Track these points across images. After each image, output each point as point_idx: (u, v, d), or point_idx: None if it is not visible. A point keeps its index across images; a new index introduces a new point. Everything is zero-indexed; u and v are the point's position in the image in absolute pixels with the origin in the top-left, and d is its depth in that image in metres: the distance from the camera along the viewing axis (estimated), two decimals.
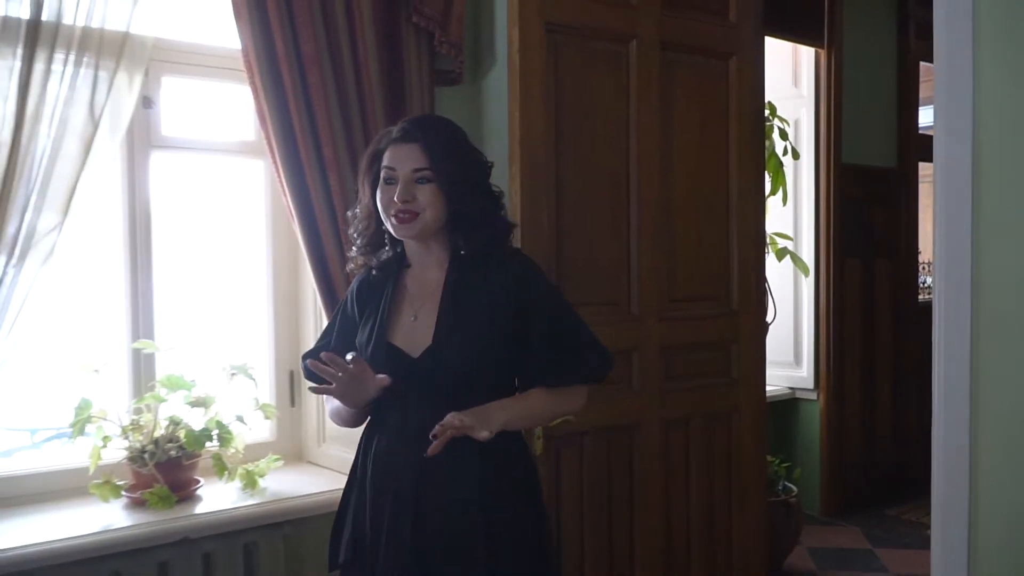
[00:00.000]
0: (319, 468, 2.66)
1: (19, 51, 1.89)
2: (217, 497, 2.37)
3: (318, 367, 1.63)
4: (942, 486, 1.93)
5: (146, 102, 2.37)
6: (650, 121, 2.61)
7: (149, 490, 2.25)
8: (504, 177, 2.32)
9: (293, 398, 2.72)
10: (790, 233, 4.40)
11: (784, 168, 3.95)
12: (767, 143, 3.67)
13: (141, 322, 2.45)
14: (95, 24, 1.99)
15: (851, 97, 4.53)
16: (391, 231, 1.73)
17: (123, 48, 2.03)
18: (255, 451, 2.54)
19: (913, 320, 4.86)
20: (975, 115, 1.88)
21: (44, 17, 1.92)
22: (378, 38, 2.39)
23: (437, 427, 1.57)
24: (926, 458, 2.06)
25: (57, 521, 2.16)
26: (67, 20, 1.95)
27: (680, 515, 2.73)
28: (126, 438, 2.32)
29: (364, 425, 1.84)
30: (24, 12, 1.90)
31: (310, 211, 2.31)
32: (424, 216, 1.69)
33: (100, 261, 2.42)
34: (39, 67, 1.89)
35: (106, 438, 2.29)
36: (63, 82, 1.94)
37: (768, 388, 4.32)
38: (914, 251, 5.05)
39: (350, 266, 1.89)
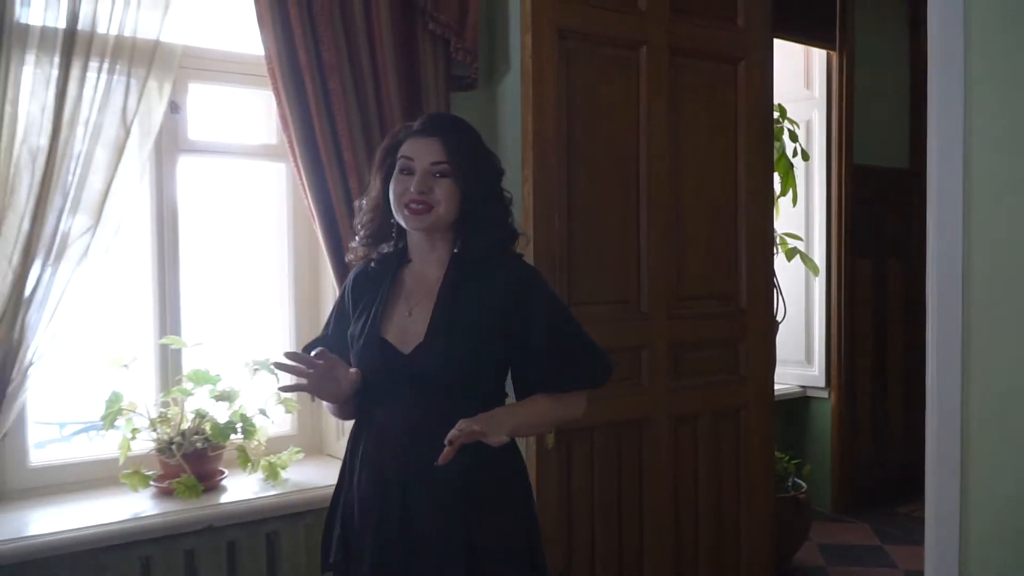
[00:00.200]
0: (338, 460, 2.67)
1: (56, 60, 1.96)
2: (241, 487, 2.45)
3: (284, 367, 1.61)
4: (935, 480, 2.00)
5: (173, 107, 2.45)
6: (660, 124, 2.67)
7: (177, 479, 2.33)
8: (517, 179, 2.38)
9: None
10: (802, 233, 4.44)
11: (794, 169, 3.99)
12: (777, 145, 3.71)
13: (168, 319, 2.54)
14: (127, 33, 2.07)
15: (863, 98, 4.56)
16: (401, 222, 1.72)
17: (154, 56, 2.11)
18: (277, 444, 2.63)
19: (924, 319, 4.87)
20: (966, 120, 1.94)
21: (79, 27, 1.98)
22: (396, 46, 2.46)
23: (451, 433, 1.52)
24: None
25: (89, 509, 2.25)
26: (101, 29, 2.02)
27: (689, 510, 2.78)
28: (154, 430, 2.40)
29: (354, 422, 1.83)
30: (61, 22, 1.97)
31: (330, 213, 2.39)
32: (438, 210, 1.68)
33: (129, 261, 2.49)
34: (75, 75, 1.97)
35: (135, 430, 2.37)
36: (97, 89, 2.01)
37: (779, 386, 4.40)
38: (925, 251, 5.06)
39: (349, 257, 1.87)
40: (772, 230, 3.06)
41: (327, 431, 2.82)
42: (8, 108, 1.89)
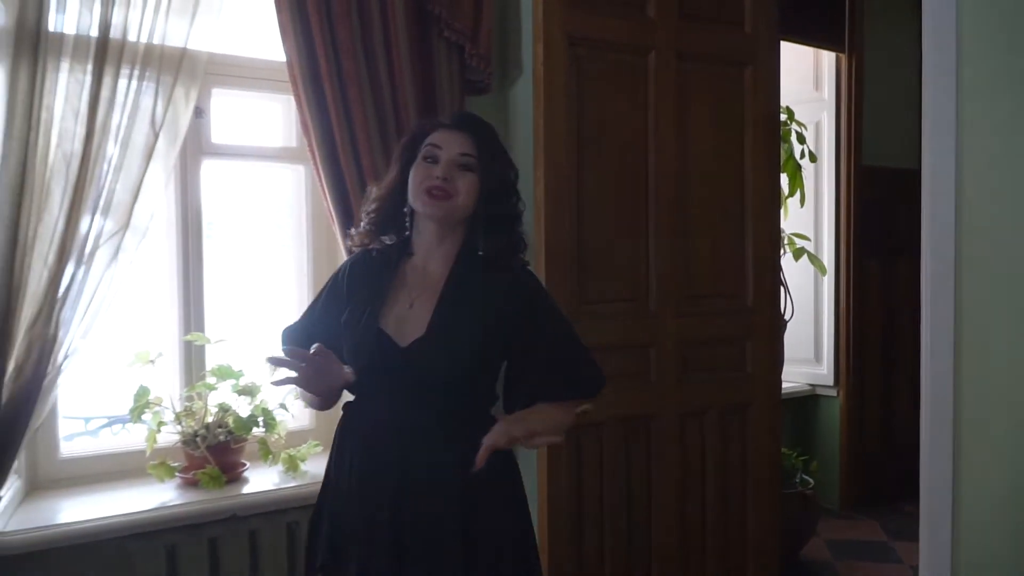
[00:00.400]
0: None
1: (89, 67, 2.03)
2: (262, 479, 2.52)
3: (279, 361, 1.58)
4: (928, 475, 2.08)
5: (197, 112, 2.52)
6: (667, 127, 2.73)
7: (202, 470, 2.41)
8: (529, 181, 2.44)
9: None
10: (811, 233, 4.48)
11: (802, 171, 4.04)
12: (784, 147, 3.77)
13: (192, 316, 2.61)
14: (156, 40, 2.13)
15: (872, 100, 4.60)
16: (419, 208, 1.70)
17: (181, 63, 2.17)
18: (296, 437, 2.70)
19: None
20: (958, 124, 2.02)
21: (111, 35, 2.05)
22: (412, 52, 2.53)
23: (489, 437, 1.54)
24: None
25: (117, 498, 2.33)
26: (131, 37, 2.08)
27: (696, 504, 2.85)
28: (179, 423, 2.48)
29: (339, 419, 1.82)
30: (94, 30, 2.04)
31: (349, 214, 2.45)
32: (458, 200, 1.68)
33: (154, 260, 2.57)
34: (107, 82, 2.04)
35: (161, 423, 2.45)
36: (128, 96, 2.08)
37: (788, 384, 4.45)
38: None
39: (348, 242, 1.84)
40: (778, 230, 3.12)
41: None
42: (44, 114, 1.96)
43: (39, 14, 1.97)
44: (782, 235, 3.41)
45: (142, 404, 2.41)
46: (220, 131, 2.67)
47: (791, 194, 3.96)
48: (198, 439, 2.45)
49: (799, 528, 3.84)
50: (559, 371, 1.75)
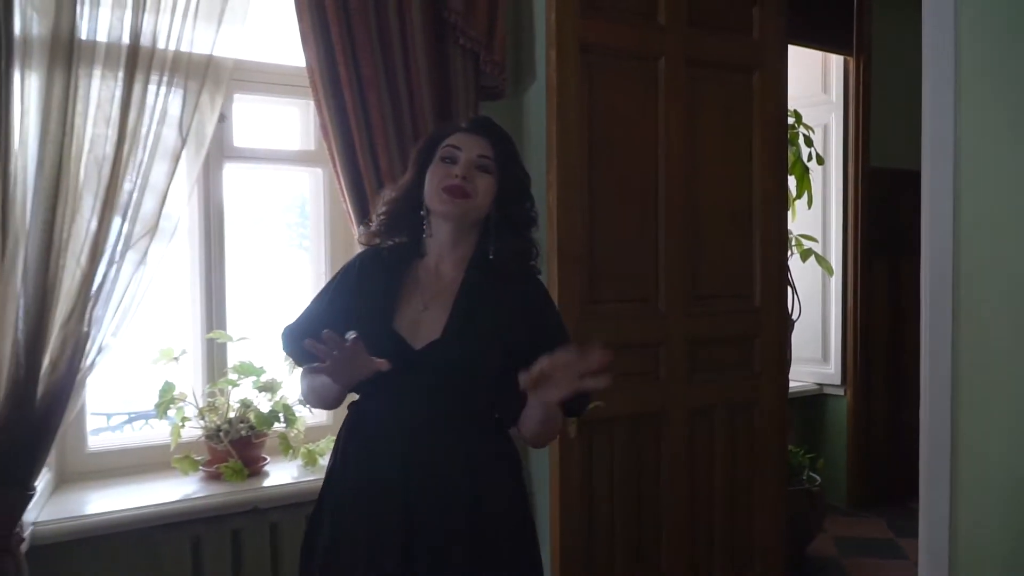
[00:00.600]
0: None
1: (120, 74, 2.09)
2: (282, 473, 2.59)
3: (315, 347, 1.51)
4: (927, 472, 2.13)
5: (220, 117, 2.57)
6: (677, 132, 2.79)
7: (225, 464, 2.49)
8: (542, 184, 2.50)
9: None
10: (819, 234, 4.53)
11: (810, 173, 4.09)
12: (792, 149, 3.82)
13: (215, 314, 2.68)
14: (184, 48, 2.19)
15: (879, 102, 4.64)
16: (436, 206, 1.70)
17: (207, 70, 2.24)
18: (315, 432, 2.77)
19: None
20: (957, 125, 2.06)
21: (141, 43, 2.11)
22: (429, 59, 2.60)
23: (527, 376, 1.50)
24: None
25: (143, 491, 2.40)
26: (160, 45, 2.14)
27: (704, 500, 2.90)
28: (202, 418, 2.56)
29: (344, 419, 1.81)
30: (125, 38, 2.10)
31: (367, 215, 2.50)
32: (475, 200, 1.68)
33: (178, 260, 2.64)
34: (137, 89, 2.10)
35: (184, 418, 2.53)
36: (157, 102, 2.14)
37: (797, 383, 4.51)
38: None
39: (361, 238, 1.84)
40: (786, 232, 3.16)
41: None
42: (77, 120, 2.03)
43: (72, 23, 2.03)
44: (789, 236, 3.46)
45: (168, 399, 2.48)
46: (241, 135, 2.74)
47: (799, 196, 4.01)
48: (221, 433, 2.52)
49: (806, 525, 3.89)
50: None
